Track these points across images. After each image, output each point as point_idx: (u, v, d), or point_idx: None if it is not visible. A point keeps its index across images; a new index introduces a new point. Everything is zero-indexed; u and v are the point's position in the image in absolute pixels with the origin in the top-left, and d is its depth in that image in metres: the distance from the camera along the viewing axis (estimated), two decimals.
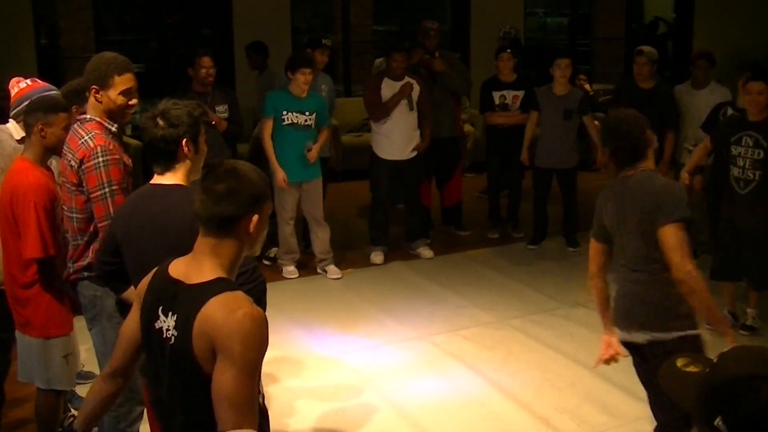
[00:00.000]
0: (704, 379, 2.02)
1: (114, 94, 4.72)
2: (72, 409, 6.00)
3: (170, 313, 2.93)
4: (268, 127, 8.62)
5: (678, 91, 9.44)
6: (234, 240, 2.96)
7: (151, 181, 4.07)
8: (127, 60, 4.86)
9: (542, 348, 7.30)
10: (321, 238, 8.98)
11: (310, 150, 8.58)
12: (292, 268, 8.96)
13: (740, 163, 7.27)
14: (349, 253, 9.70)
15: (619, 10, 16.45)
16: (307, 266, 9.15)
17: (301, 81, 8.49)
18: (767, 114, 7.20)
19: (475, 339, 7.47)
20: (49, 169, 5.12)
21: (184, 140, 3.97)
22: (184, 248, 3.20)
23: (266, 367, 2.98)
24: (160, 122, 3.95)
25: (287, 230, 8.83)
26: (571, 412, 6.20)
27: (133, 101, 4.83)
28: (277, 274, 8.90)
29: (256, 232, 2.99)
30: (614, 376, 6.67)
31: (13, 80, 5.63)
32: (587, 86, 13.63)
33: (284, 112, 8.55)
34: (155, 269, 3.16)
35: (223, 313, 2.78)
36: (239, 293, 2.88)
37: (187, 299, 2.89)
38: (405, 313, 8.04)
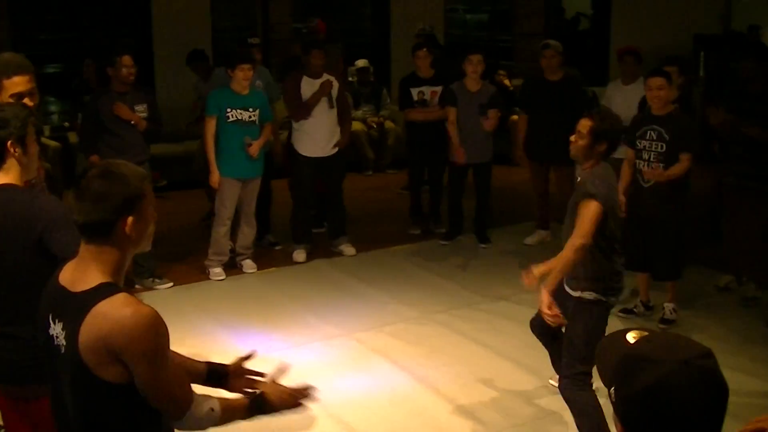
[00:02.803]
0: (623, 351, 2.09)
1: (5, 97, 4.70)
2: None
3: (57, 321, 2.92)
4: (210, 126, 8.61)
5: (610, 87, 9.59)
6: (115, 244, 2.91)
7: None
8: (22, 63, 4.81)
9: (467, 342, 7.35)
10: (246, 234, 9.01)
11: (250, 145, 8.59)
12: (219, 270, 8.87)
13: (645, 156, 7.43)
14: (271, 252, 9.69)
15: (539, 7, 16.56)
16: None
17: (241, 77, 8.52)
18: (671, 109, 7.40)
19: (400, 335, 7.49)
20: None
21: (9, 141, 3.96)
22: (20, 246, 3.76)
23: None
24: None
25: (221, 231, 8.78)
26: (497, 405, 6.25)
27: (28, 104, 4.78)
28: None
29: (136, 232, 2.92)
30: (539, 368, 6.75)
31: None
32: (507, 81, 13.76)
33: (228, 110, 8.56)
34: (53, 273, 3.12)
35: (112, 316, 2.78)
36: (122, 294, 2.86)
37: (72, 308, 2.87)
38: (329, 310, 8.04)
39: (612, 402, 2.09)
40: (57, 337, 2.91)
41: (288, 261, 9.38)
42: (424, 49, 10.14)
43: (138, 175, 2.97)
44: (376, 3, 15.33)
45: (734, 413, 2.07)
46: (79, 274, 2.93)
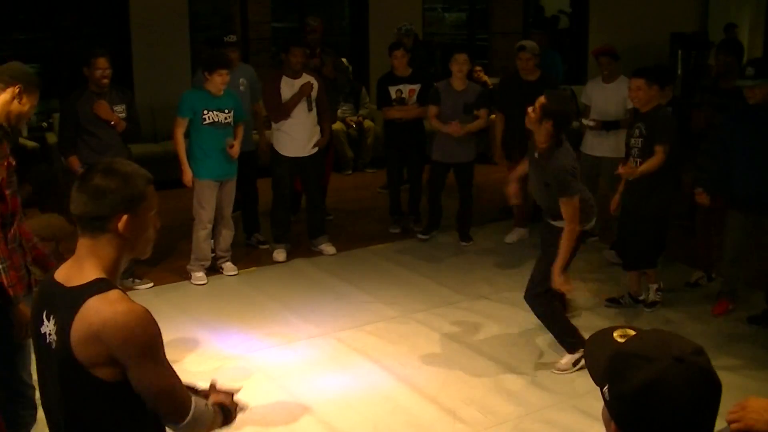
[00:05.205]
0: (615, 349, 2.10)
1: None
2: None
3: (51, 317, 2.89)
4: (182, 126, 8.52)
5: (589, 85, 9.64)
6: (109, 240, 2.89)
7: None
8: None
9: (447, 341, 7.35)
10: (225, 236, 8.92)
11: (232, 146, 8.53)
12: (201, 274, 8.76)
13: (633, 153, 7.60)
14: (251, 251, 9.67)
15: (517, 5, 16.61)
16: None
17: (218, 82, 8.42)
18: (654, 105, 7.50)
19: (380, 334, 7.50)
20: None
21: None
22: None
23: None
24: None
25: (202, 234, 8.65)
26: (478, 403, 6.26)
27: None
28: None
29: (130, 232, 2.90)
30: (519, 366, 6.78)
31: None
32: (485, 77, 13.78)
33: (204, 112, 8.46)
34: (48, 272, 3.11)
35: (105, 312, 2.76)
36: (116, 291, 2.84)
37: (65, 302, 2.84)
38: (309, 309, 8.02)
39: (605, 401, 2.10)
40: (49, 334, 2.88)
41: (268, 260, 9.36)
42: (401, 49, 10.16)
43: (142, 176, 2.95)
44: (354, 2, 15.32)
45: (719, 412, 2.09)
46: (75, 269, 2.91)
